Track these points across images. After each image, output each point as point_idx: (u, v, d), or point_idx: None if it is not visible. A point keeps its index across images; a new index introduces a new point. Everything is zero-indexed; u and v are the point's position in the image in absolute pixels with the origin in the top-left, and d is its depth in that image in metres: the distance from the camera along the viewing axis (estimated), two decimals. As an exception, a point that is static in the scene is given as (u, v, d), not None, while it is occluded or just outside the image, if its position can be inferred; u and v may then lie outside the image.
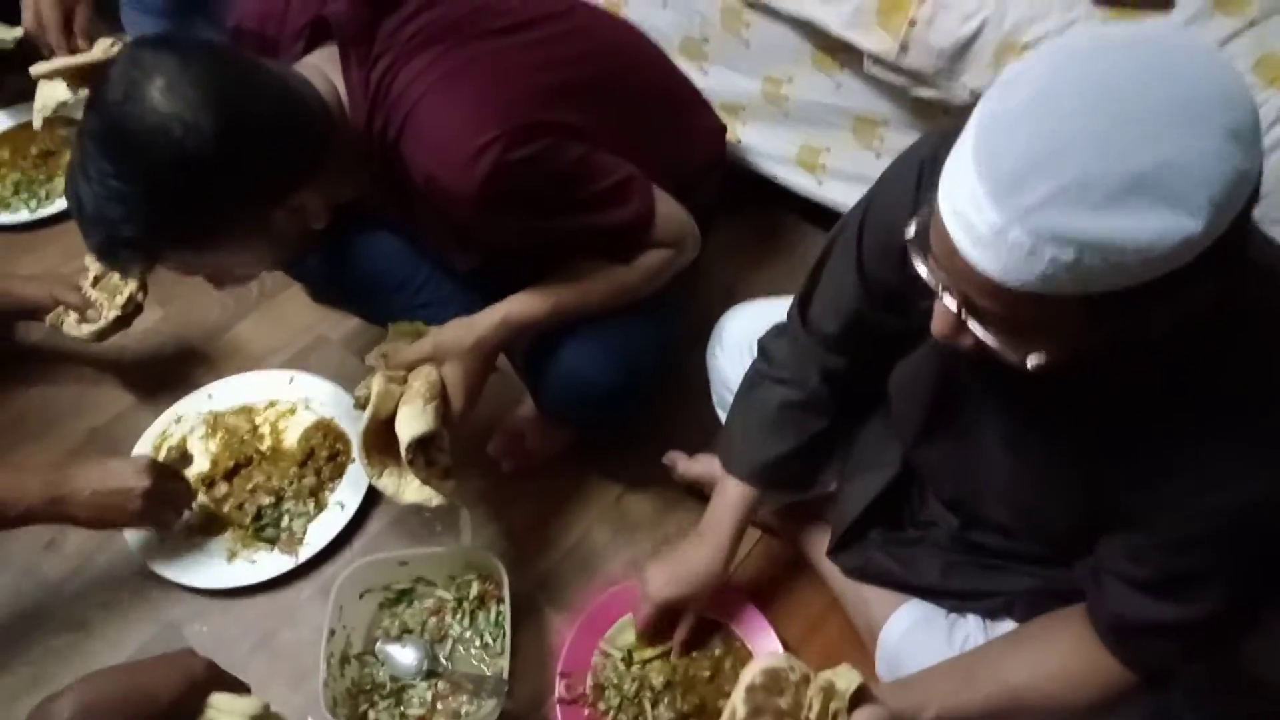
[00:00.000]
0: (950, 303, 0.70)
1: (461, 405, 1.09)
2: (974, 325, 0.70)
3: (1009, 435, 0.90)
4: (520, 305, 1.18)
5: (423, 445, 1.05)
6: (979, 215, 0.62)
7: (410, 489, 1.07)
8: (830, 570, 1.22)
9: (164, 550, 1.32)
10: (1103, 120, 0.58)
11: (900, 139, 1.43)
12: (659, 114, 1.29)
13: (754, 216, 1.67)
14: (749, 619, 1.23)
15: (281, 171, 1.00)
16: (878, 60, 1.36)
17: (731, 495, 1.14)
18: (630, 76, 1.24)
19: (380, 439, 1.06)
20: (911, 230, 0.72)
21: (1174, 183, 0.57)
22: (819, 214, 1.62)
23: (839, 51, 1.42)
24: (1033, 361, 0.69)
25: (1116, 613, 0.88)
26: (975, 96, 1.27)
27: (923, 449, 1.04)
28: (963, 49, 1.28)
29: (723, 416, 1.27)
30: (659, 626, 1.19)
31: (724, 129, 1.45)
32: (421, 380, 1.06)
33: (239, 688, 0.91)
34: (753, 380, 1.16)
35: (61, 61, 1.41)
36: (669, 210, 1.19)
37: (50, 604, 1.32)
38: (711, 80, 1.57)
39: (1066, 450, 0.85)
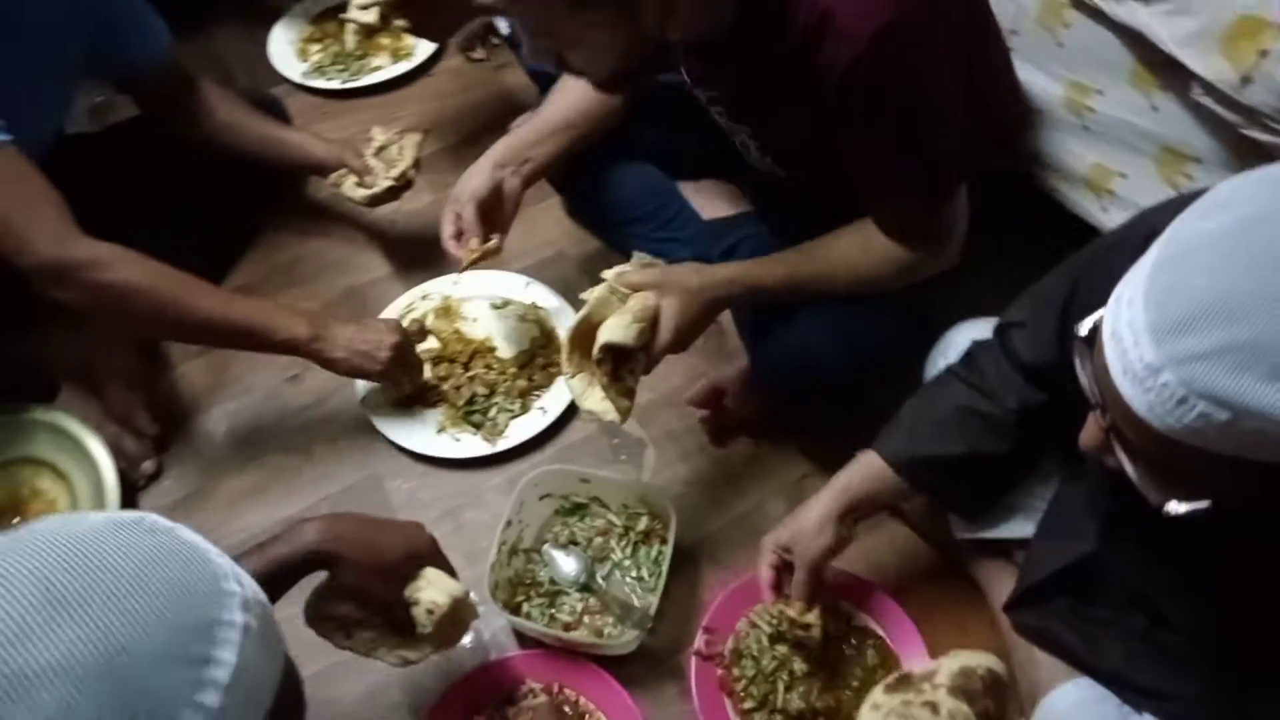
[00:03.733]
0: (1101, 419, 0.65)
1: (667, 340, 1.11)
2: (1119, 450, 0.65)
3: (1186, 553, 0.82)
4: (756, 267, 1.19)
5: (616, 358, 1.08)
6: (1134, 348, 0.57)
7: (593, 397, 1.10)
8: (1005, 618, 1.15)
9: (385, 409, 1.46)
10: None
11: (1211, 180, 1.28)
12: (986, 85, 1.22)
13: (1024, 230, 1.56)
14: (909, 642, 1.19)
15: None
16: (1209, 89, 1.22)
17: (868, 465, 1.09)
18: (982, 35, 1.20)
19: (585, 342, 1.10)
20: (1086, 327, 0.66)
21: None
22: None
23: (1164, 70, 1.28)
24: (1172, 507, 0.63)
25: None
26: (1319, 149, 1.12)
27: (1106, 540, 0.97)
28: (1318, 93, 1.12)
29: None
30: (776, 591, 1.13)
31: (1025, 112, 1.36)
32: (638, 301, 1.09)
33: (449, 570, 1.00)
34: (941, 378, 1.10)
35: None
36: (960, 200, 1.15)
37: (284, 429, 1.49)
38: (1012, 76, 1.47)
39: (1244, 586, 0.77)
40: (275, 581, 0.89)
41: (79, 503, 1.39)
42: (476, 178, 1.36)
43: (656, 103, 1.47)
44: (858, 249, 1.18)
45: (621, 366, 1.10)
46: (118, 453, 1.41)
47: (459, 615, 0.98)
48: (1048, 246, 1.56)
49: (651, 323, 1.09)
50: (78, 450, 1.40)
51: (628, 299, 1.10)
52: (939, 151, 1.09)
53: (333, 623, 0.97)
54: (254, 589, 0.55)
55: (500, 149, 1.39)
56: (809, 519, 1.08)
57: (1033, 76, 1.45)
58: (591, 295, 1.11)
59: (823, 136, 1.10)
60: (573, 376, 1.11)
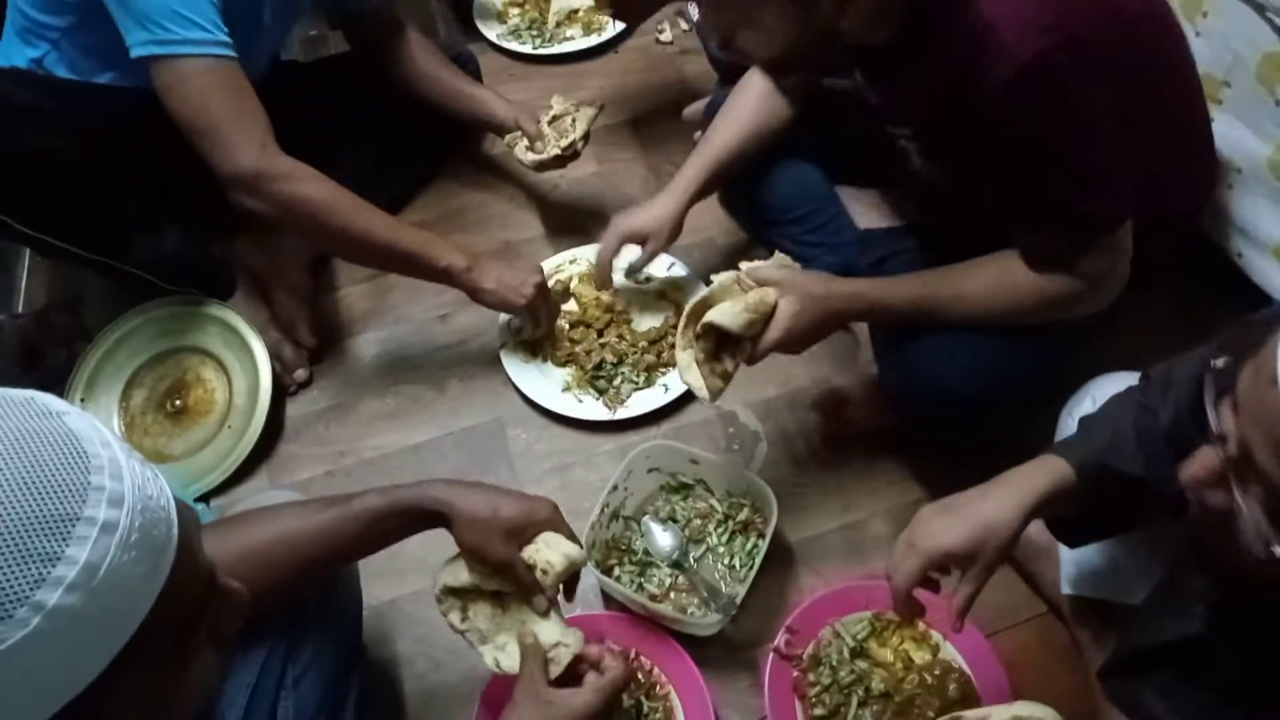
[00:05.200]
0: (1218, 452, 0.64)
1: (775, 337, 1.11)
2: (1235, 486, 0.63)
3: None
4: (885, 285, 1.17)
5: (720, 341, 1.11)
6: None
7: (693, 372, 1.13)
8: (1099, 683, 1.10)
9: (519, 361, 1.53)
10: None
11: None
12: (1165, 133, 1.15)
13: (1192, 290, 1.47)
14: (994, 684, 1.16)
15: None
16: None
17: (1046, 465, 0.96)
18: (1166, 78, 1.13)
19: (700, 320, 1.13)
20: (1221, 361, 0.65)
21: None
22: (1273, 316, 1.39)
23: (1392, 144, 1.19)
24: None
25: None
26: None
27: (1213, 624, 0.90)
28: None
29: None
30: (911, 604, 0.98)
31: (1214, 181, 1.28)
32: (757, 295, 1.11)
33: (572, 538, 0.99)
34: (1123, 396, 1.02)
35: None
36: (1120, 241, 1.09)
37: (426, 362, 1.59)
38: (1215, 129, 1.38)
39: None
40: (393, 520, 0.94)
41: (234, 396, 1.52)
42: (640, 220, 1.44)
43: (827, 105, 1.47)
44: (997, 279, 1.14)
45: (724, 349, 1.13)
46: (276, 357, 1.53)
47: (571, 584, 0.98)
48: (1218, 309, 1.48)
49: (765, 318, 1.11)
50: (242, 348, 1.53)
51: (750, 290, 1.12)
52: (1095, 185, 1.04)
53: (453, 596, 1.00)
54: (140, 487, 0.50)
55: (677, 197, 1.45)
56: (999, 518, 0.93)
57: (1239, 133, 1.36)
58: (718, 278, 1.14)
59: (979, 146, 1.06)
60: (683, 349, 1.15)
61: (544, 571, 0.95)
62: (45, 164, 1.34)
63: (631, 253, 1.51)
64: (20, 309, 1.72)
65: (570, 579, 1.01)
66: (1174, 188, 1.19)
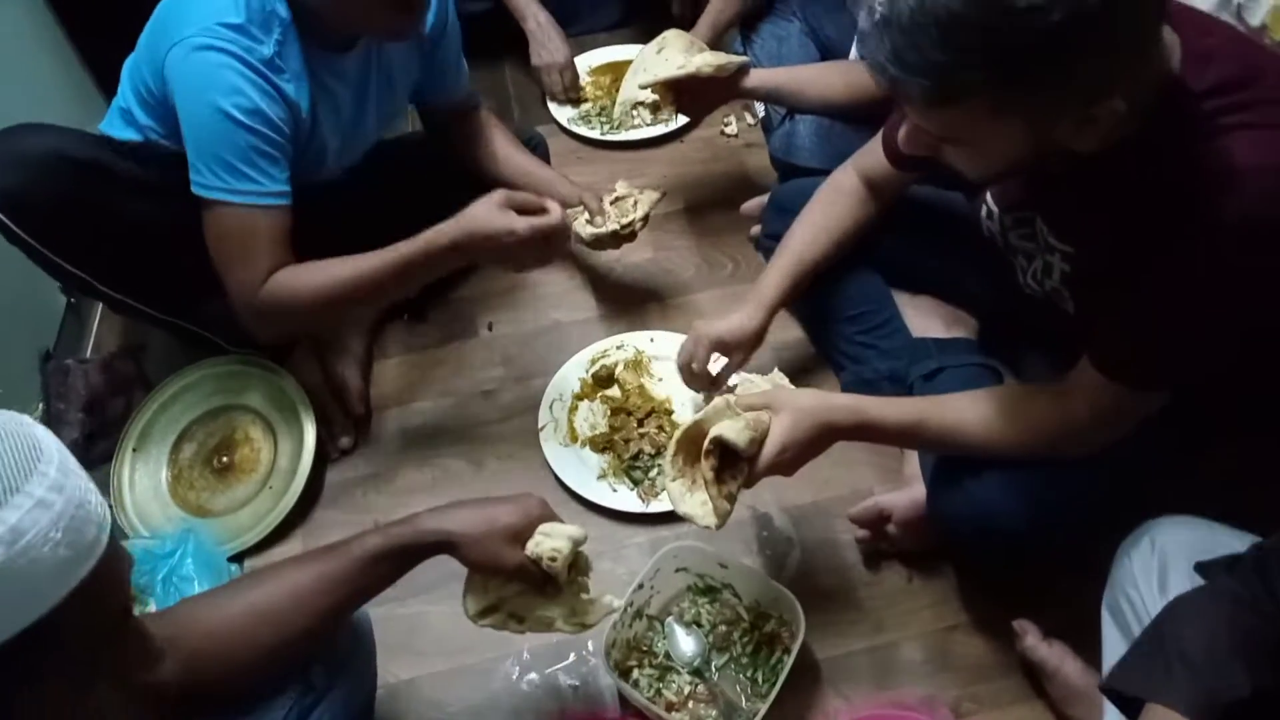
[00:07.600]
0: None
1: (771, 454, 1.07)
2: None
3: None
4: (880, 404, 1.16)
5: (722, 460, 1.07)
6: None
7: (690, 502, 1.08)
8: None
9: (556, 446, 1.53)
10: None
11: None
12: None
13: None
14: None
15: (1134, 50, 0.86)
16: None
17: None
18: None
19: (692, 448, 1.10)
20: None
21: None
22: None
23: None
24: None
25: None
26: None
27: None
28: None
29: (1107, 618, 1.10)
30: None
31: None
32: (753, 416, 1.09)
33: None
34: (1198, 599, 0.92)
35: (666, 74, 1.61)
36: (1148, 402, 1.04)
37: (466, 437, 1.60)
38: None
39: None
40: (394, 558, 0.97)
41: (278, 457, 1.55)
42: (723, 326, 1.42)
43: (897, 211, 1.46)
44: (1001, 410, 1.11)
45: (725, 472, 1.08)
46: (324, 422, 1.56)
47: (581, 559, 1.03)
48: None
49: (762, 437, 1.08)
50: (291, 412, 1.56)
51: (741, 416, 1.09)
52: (1187, 347, 0.99)
53: (495, 614, 1.03)
54: (82, 490, 0.61)
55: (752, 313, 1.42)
56: None
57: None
58: (712, 403, 1.11)
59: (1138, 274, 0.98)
60: (674, 480, 1.10)
61: (552, 559, 0.98)
62: (128, 229, 1.41)
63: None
64: (89, 354, 1.79)
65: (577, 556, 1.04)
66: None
